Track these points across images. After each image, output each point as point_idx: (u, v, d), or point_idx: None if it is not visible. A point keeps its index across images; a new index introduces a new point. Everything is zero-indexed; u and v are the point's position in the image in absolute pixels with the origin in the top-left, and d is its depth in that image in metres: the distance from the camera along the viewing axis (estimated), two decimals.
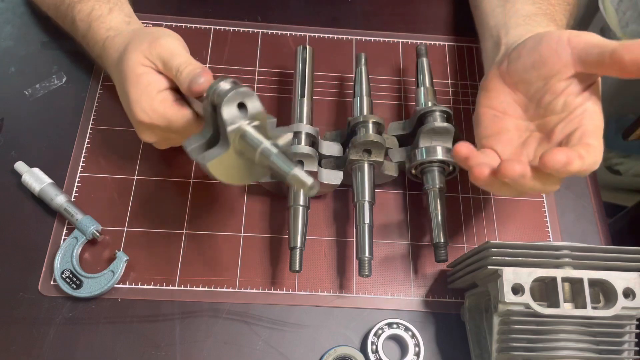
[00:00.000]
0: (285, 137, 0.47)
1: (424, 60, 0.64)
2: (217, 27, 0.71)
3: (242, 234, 0.59)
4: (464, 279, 0.52)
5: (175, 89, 0.52)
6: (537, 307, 0.44)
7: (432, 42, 0.73)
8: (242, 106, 0.45)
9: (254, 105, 0.45)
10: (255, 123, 0.46)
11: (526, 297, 0.44)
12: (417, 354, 0.53)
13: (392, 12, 0.75)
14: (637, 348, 0.46)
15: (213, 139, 0.47)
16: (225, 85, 0.46)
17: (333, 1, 0.75)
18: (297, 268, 0.52)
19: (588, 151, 0.41)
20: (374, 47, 0.72)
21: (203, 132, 0.48)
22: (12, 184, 0.59)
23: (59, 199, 0.56)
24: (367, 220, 0.54)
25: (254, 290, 0.56)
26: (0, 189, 0.59)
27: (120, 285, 0.55)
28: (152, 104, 0.50)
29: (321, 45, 0.71)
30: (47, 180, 0.58)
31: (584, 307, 0.44)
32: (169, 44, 0.51)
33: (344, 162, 0.58)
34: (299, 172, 0.41)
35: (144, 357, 0.53)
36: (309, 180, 0.41)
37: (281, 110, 0.66)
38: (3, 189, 0.59)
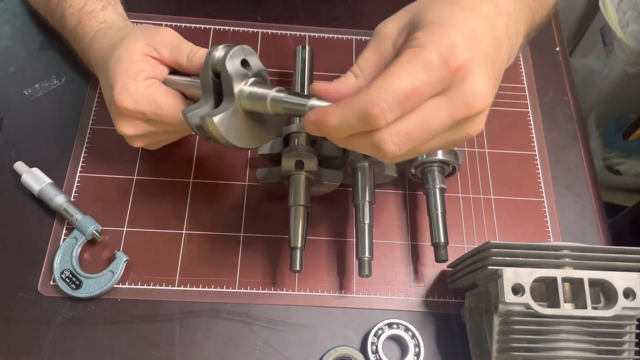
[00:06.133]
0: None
1: None
2: (217, 27, 0.71)
3: (242, 234, 0.59)
4: (464, 279, 0.52)
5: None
6: (537, 307, 0.44)
7: None
8: (244, 63, 0.46)
9: (255, 62, 0.47)
10: (259, 79, 0.47)
11: (526, 297, 0.44)
12: (417, 354, 0.53)
13: (392, 12, 0.75)
14: (637, 348, 0.46)
15: (214, 107, 0.47)
16: (224, 48, 0.47)
17: (333, 1, 0.75)
18: (298, 268, 0.52)
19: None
20: None
21: (200, 103, 0.47)
22: (11, 184, 0.59)
23: (59, 199, 0.56)
24: (367, 220, 0.54)
25: (254, 291, 0.56)
26: (0, 189, 0.59)
27: (120, 286, 0.55)
28: (138, 87, 0.49)
29: (321, 45, 0.71)
30: (47, 180, 0.58)
31: (584, 307, 0.44)
32: (174, 33, 0.52)
33: (344, 162, 0.58)
34: (317, 102, 0.41)
35: (143, 357, 0.53)
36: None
37: None
38: (3, 189, 0.59)
